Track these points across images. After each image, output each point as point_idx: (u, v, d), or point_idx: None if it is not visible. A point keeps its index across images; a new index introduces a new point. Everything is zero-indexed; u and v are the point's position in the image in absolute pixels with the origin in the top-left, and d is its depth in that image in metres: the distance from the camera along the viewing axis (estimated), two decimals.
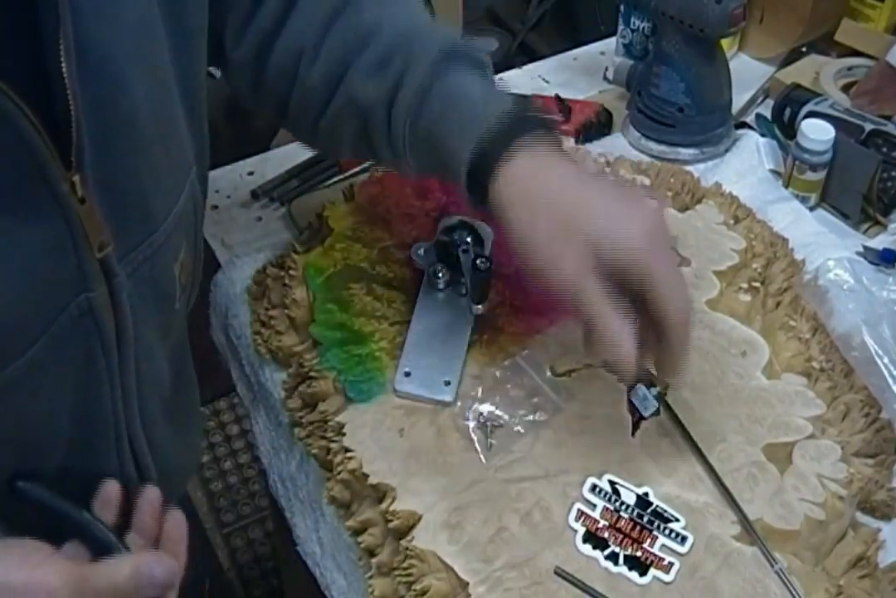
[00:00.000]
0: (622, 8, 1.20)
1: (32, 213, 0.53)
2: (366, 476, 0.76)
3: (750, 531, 0.73)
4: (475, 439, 0.78)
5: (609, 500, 0.73)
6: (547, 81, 1.26)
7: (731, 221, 0.98)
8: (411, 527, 0.73)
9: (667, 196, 1.00)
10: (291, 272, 0.89)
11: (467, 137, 0.67)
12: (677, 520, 0.72)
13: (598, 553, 0.71)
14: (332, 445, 0.79)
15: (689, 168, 1.07)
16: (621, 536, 0.72)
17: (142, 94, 0.58)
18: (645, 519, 0.72)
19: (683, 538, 0.72)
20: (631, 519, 0.72)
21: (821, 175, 1.03)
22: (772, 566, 0.72)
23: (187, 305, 0.76)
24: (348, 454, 0.77)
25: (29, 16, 0.50)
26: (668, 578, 0.70)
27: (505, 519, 0.73)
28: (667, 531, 0.72)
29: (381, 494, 0.76)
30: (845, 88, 1.16)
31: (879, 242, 1.00)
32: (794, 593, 0.70)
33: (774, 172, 1.08)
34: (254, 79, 0.78)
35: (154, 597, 0.54)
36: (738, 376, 0.84)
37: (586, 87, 1.24)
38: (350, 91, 0.73)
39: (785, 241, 0.97)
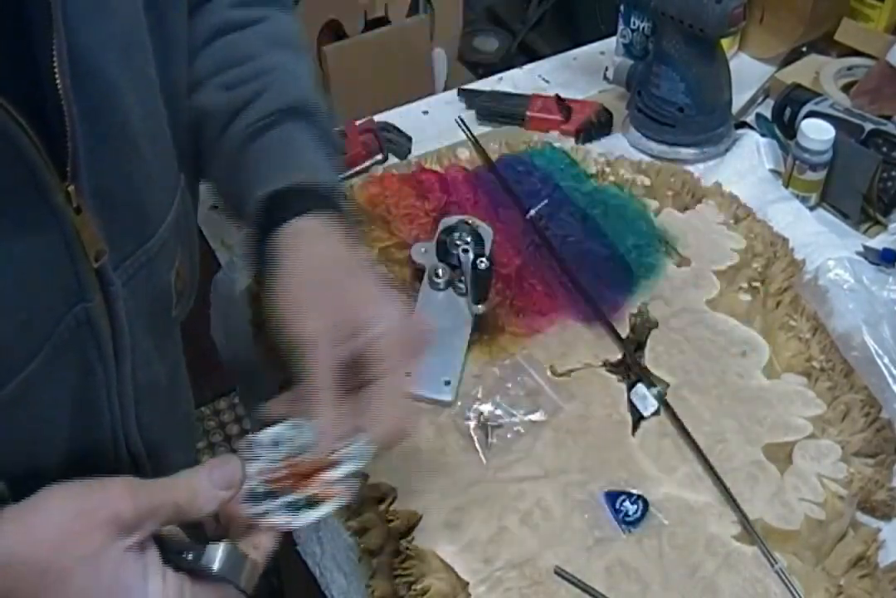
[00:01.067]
0: (622, 8, 1.20)
1: (28, 224, 0.52)
2: (366, 476, 0.76)
3: (750, 531, 0.73)
4: (475, 439, 0.78)
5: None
6: (547, 81, 1.26)
7: (731, 221, 0.98)
8: (411, 527, 0.73)
9: (667, 196, 1.00)
10: None
11: (280, 179, 0.66)
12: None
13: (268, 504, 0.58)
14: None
15: (689, 168, 1.07)
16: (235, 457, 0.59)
17: (133, 102, 0.58)
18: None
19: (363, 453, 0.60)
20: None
21: (821, 175, 1.03)
22: (772, 565, 0.72)
23: (184, 311, 0.76)
24: None
25: (21, 26, 0.49)
26: (328, 508, 0.58)
27: (505, 519, 0.73)
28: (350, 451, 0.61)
29: (381, 494, 0.76)
30: (845, 88, 1.16)
31: (879, 242, 1.00)
32: (794, 593, 0.70)
33: (774, 172, 1.08)
34: None
35: (216, 500, 0.54)
36: (738, 375, 0.84)
37: (586, 87, 1.24)
38: (200, 101, 0.72)
39: (785, 241, 0.97)
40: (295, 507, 0.58)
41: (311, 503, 0.58)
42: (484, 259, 0.83)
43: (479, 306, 0.84)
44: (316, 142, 0.71)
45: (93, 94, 0.55)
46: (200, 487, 0.54)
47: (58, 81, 0.51)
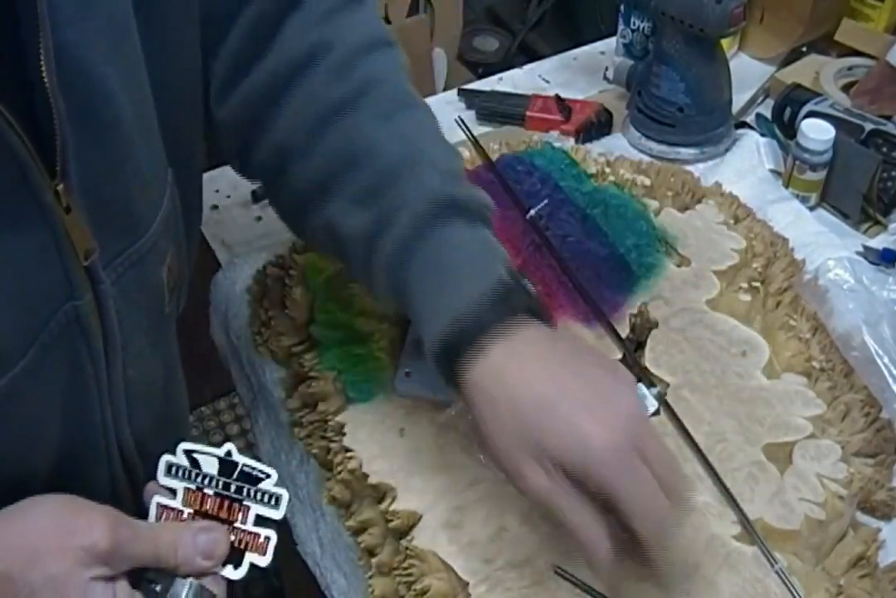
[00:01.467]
0: (622, 8, 1.20)
1: (17, 222, 0.52)
2: (366, 476, 0.76)
3: (750, 531, 0.73)
4: (475, 439, 0.78)
5: (189, 477, 0.61)
6: (547, 81, 1.26)
7: (731, 221, 0.98)
8: (411, 527, 0.73)
9: (667, 196, 1.00)
10: (291, 272, 0.89)
11: (442, 317, 0.63)
12: (268, 476, 0.60)
13: None
14: (332, 445, 0.79)
15: (689, 168, 1.07)
16: (225, 531, 0.60)
17: (123, 99, 0.58)
18: (233, 488, 0.60)
19: (277, 499, 0.60)
20: (217, 494, 0.60)
21: (821, 175, 1.03)
22: (772, 566, 0.71)
23: (177, 309, 0.75)
24: (348, 454, 0.77)
25: (6, 24, 0.49)
26: (264, 561, 0.59)
27: (505, 519, 0.73)
28: (258, 495, 0.60)
29: (381, 494, 0.76)
30: (845, 88, 1.16)
31: (879, 242, 1.00)
32: (794, 593, 0.70)
33: (774, 172, 1.08)
34: (239, 150, 0.75)
35: (193, 565, 0.56)
36: (738, 376, 0.84)
37: (586, 87, 1.24)
38: (331, 215, 0.69)
39: (785, 241, 0.97)
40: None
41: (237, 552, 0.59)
42: None
43: None
44: (465, 236, 0.66)
45: (82, 91, 0.54)
46: (183, 548, 0.55)
47: (45, 79, 0.50)
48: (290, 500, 0.60)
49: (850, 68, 1.19)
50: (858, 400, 0.82)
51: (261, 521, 0.60)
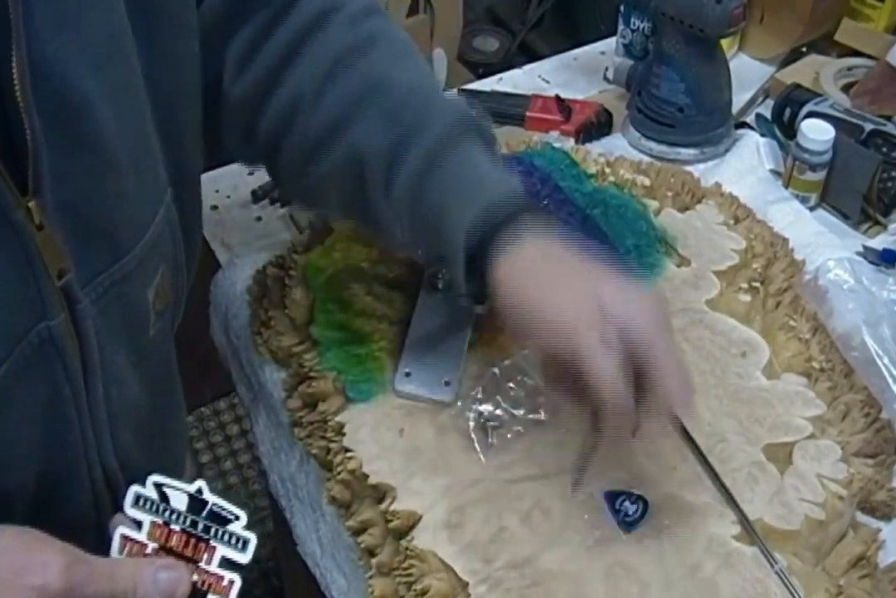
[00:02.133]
0: (622, 8, 1.20)
1: None
2: (366, 476, 0.76)
3: (750, 531, 0.73)
4: (475, 439, 0.78)
5: (157, 511, 0.59)
6: (547, 81, 1.26)
7: (731, 221, 0.98)
8: (411, 527, 0.73)
9: (667, 196, 1.00)
10: (291, 272, 0.89)
11: (467, 217, 0.67)
12: (237, 518, 0.59)
13: None
14: (332, 445, 0.79)
15: (689, 168, 1.07)
16: (186, 569, 0.58)
17: (108, 115, 0.56)
18: (200, 527, 0.59)
19: (244, 542, 0.59)
20: (183, 531, 0.58)
21: (821, 175, 1.03)
22: (772, 566, 0.71)
23: (172, 327, 0.74)
24: (348, 454, 0.77)
25: None
26: None
27: (505, 519, 0.73)
28: (226, 537, 0.58)
29: (381, 494, 0.76)
30: (845, 88, 1.16)
31: (879, 242, 1.00)
32: (794, 593, 0.70)
33: (774, 172, 1.08)
34: (247, 124, 0.76)
35: None
36: (738, 376, 0.84)
37: (586, 87, 1.24)
38: (352, 139, 0.71)
39: (785, 241, 0.97)
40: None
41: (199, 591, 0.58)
42: None
43: (480, 306, 0.84)
44: (482, 153, 0.71)
45: (60, 107, 0.53)
46: (143, 585, 0.53)
47: (17, 95, 0.49)
48: (255, 544, 0.58)
49: (850, 68, 1.19)
50: (858, 400, 0.82)
51: (226, 564, 0.58)
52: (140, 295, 0.65)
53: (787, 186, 1.05)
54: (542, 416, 0.80)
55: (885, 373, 0.82)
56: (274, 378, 0.88)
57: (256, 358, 0.90)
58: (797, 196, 1.04)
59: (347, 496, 0.78)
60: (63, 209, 0.55)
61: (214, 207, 1.10)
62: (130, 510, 0.59)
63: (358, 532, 0.76)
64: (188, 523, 0.58)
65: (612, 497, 0.74)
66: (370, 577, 0.73)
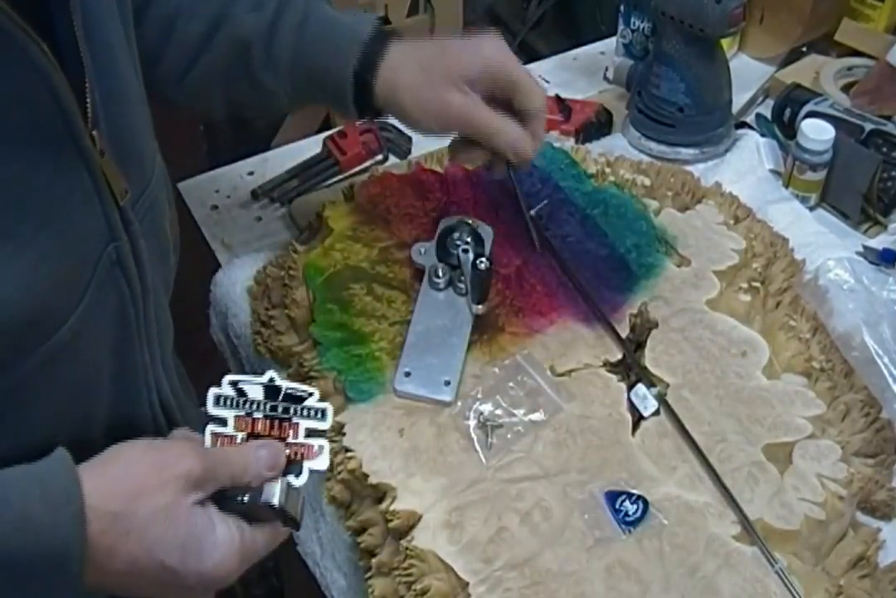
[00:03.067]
0: (622, 8, 1.20)
1: (65, 167, 0.56)
2: (366, 476, 0.76)
3: (750, 531, 0.73)
4: (475, 439, 0.78)
5: (237, 405, 0.65)
6: (547, 81, 1.26)
7: (731, 221, 0.98)
8: (411, 527, 0.73)
9: (667, 196, 1.00)
10: (291, 272, 0.89)
11: (347, 54, 0.78)
12: (311, 394, 0.65)
13: None
14: (332, 445, 0.79)
15: (689, 168, 1.07)
16: (280, 443, 0.64)
17: (125, 58, 0.63)
18: (280, 409, 0.65)
19: (322, 412, 0.65)
20: (266, 417, 0.65)
21: (821, 175, 1.03)
22: (772, 566, 0.72)
23: (175, 265, 0.79)
24: (348, 454, 0.77)
25: None
26: (322, 465, 0.64)
27: (505, 519, 0.73)
28: (305, 412, 0.65)
29: (381, 494, 0.76)
30: (845, 88, 1.16)
31: (879, 242, 1.01)
32: (794, 593, 0.70)
33: (774, 172, 1.08)
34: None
35: (260, 478, 0.60)
36: (738, 376, 0.84)
37: (586, 87, 1.24)
38: (230, 30, 0.80)
39: (785, 241, 0.97)
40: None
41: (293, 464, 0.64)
42: (484, 259, 0.83)
43: (480, 306, 0.84)
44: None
45: (99, 48, 0.59)
46: (250, 464, 0.60)
47: (77, 35, 0.55)
48: (333, 412, 0.66)
49: (850, 68, 1.19)
50: (858, 400, 0.82)
51: (311, 433, 0.64)
52: (162, 223, 0.71)
53: (787, 186, 1.05)
54: (542, 416, 0.80)
55: (885, 373, 0.82)
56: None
57: (256, 358, 0.90)
58: (797, 196, 1.04)
59: (347, 496, 0.78)
60: (112, 138, 0.60)
61: (214, 207, 1.10)
62: (213, 410, 0.64)
63: (358, 532, 0.76)
64: (269, 408, 0.65)
65: (612, 497, 0.74)
66: (370, 577, 0.73)
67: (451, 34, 0.83)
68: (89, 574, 0.53)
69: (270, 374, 0.65)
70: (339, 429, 0.79)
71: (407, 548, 0.71)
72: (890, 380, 0.81)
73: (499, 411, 0.80)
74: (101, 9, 0.60)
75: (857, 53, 1.20)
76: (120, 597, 0.58)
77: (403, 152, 1.13)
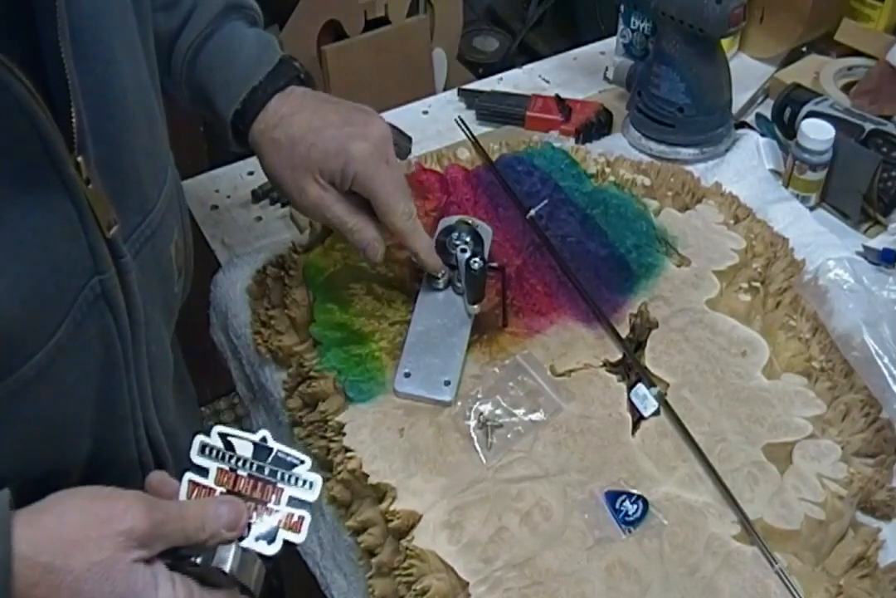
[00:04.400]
0: (622, 8, 1.20)
1: (42, 196, 0.53)
2: (366, 476, 0.76)
3: (750, 531, 0.73)
4: (475, 438, 0.78)
5: (223, 458, 0.62)
6: (547, 81, 1.26)
7: (731, 221, 0.98)
8: (411, 527, 0.73)
9: (667, 196, 1.00)
10: (291, 272, 0.89)
11: (236, 88, 0.77)
12: (302, 462, 0.62)
13: None
14: (332, 445, 0.79)
15: (689, 168, 1.07)
16: (242, 502, 0.61)
17: (128, 73, 0.60)
18: (266, 471, 0.62)
19: (311, 484, 0.62)
20: (251, 476, 0.61)
21: (821, 175, 1.03)
22: (772, 566, 0.72)
23: (183, 292, 0.77)
24: (348, 454, 0.77)
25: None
26: (299, 538, 0.60)
27: (505, 519, 0.73)
28: (292, 480, 0.62)
29: (381, 494, 0.76)
30: (845, 88, 1.16)
31: (879, 242, 1.00)
32: (794, 593, 0.70)
33: (774, 172, 1.08)
34: None
35: (219, 537, 0.57)
36: (738, 376, 0.84)
37: (586, 87, 1.24)
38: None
39: (785, 241, 0.97)
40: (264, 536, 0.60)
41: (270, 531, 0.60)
42: (477, 259, 0.83)
43: (475, 307, 0.84)
44: (252, 31, 0.80)
45: (94, 64, 0.56)
46: (208, 522, 0.56)
47: (62, 53, 0.51)
48: (322, 485, 0.62)
49: (850, 68, 1.19)
50: (858, 400, 0.82)
51: (294, 502, 0.61)
52: (166, 251, 0.69)
53: (787, 186, 1.05)
54: (543, 416, 0.80)
55: (885, 373, 0.82)
56: (274, 378, 0.88)
57: (256, 358, 0.90)
58: (797, 196, 1.04)
59: (347, 496, 0.78)
60: (102, 165, 0.57)
61: (214, 207, 1.10)
62: (197, 458, 0.61)
63: (358, 532, 0.76)
64: (255, 468, 0.61)
65: (612, 497, 0.74)
66: (370, 577, 0.74)
67: (346, 101, 0.80)
68: None
69: (263, 433, 0.62)
70: (339, 429, 0.79)
71: (407, 548, 0.71)
72: (890, 380, 0.81)
73: (499, 411, 0.80)
74: (100, 20, 0.57)
75: (857, 53, 1.20)
76: None
77: (403, 152, 1.13)
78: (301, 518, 0.61)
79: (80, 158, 0.54)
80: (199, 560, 0.56)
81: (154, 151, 0.66)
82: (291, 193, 0.78)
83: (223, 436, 0.62)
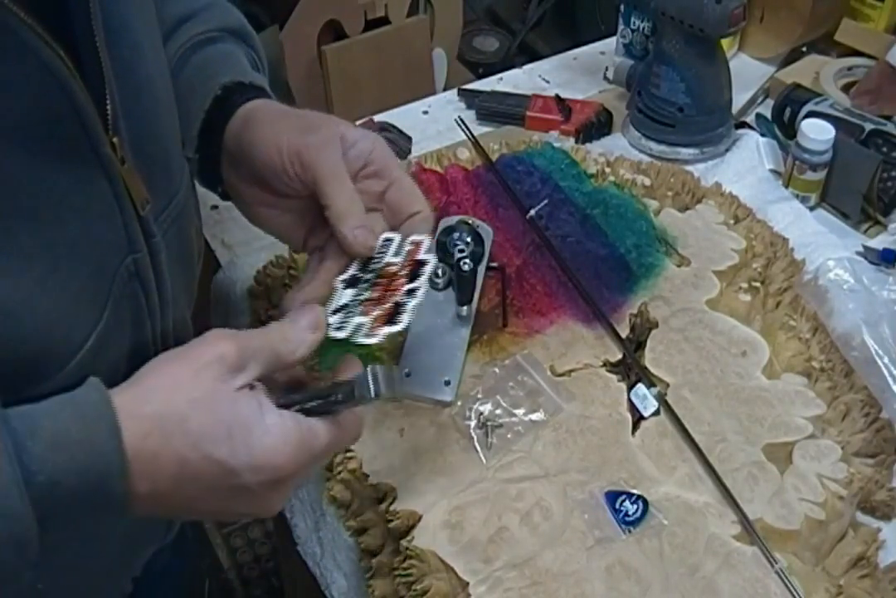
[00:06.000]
0: (622, 8, 1.20)
1: (81, 175, 0.54)
2: (366, 476, 0.76)
3: (750, 531, 0.73)
4: (475, 438, 0.78)
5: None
6: (547, 81, 1.26)
7: (731, 221, 0.98)
8: (411, 527, 0.73)
9: (667, 196, 1.00)
10: (291, 272, 0.89)
11: (203, 107, 0.72)
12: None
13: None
14: None
15: (689, 168, 1.07)
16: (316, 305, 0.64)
17: (153, 61, 0.61)
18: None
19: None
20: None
21: (821, 175, 1.03)
22: (772, 566, 0.72)
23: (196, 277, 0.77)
24: (348, 454, 0.77)
25: None
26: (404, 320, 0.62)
27: (505, 519, 0.73)
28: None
29: (381, 494, 0.76)
30: (845, 88, 1.16)
31: (879, 242, 1.00)
32: (794, 593, 0.70)
33: (774, 172, 1.08)
34: None
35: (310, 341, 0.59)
36: (738, 376, 0.84)
37: (586, 87, 1.24)
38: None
39: (785, 241, 0.97)
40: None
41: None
42: (468, 261, 0.83)
43: (464, 308, 0.83)
44: (252, 64, 0.76)
45: (123, 48, 0.57)
46: (290, 331, 0.58)
47: (96, 38, 0.52)
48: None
49: (850, 68, 1.19)
50: (858, 400, 0.82)
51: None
52: (188, 233, 0.69)
53: (787, 186, 1.05)
54: (543, 416, 0.80)
55: (885, 373, 0.82)
56: None
57: None
58: (797, 196, 1.04)
59: (347, 496, 0.78)
60: (134, 146, 0.58)
61: (214, 207, 1.09)
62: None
63: (358, 532, 0.76)
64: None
65: (612, 497, 0.74)
66: (370, 577, 0.74)
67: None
68: (138, 491, 0.50)
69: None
70: None
71: (407, 548, 0.71)
72: (890, 380, 0.81)
73: (499, 411, 0.80)
74: (127, 6, 0.58)
75: (857, 53, 1.20)
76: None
77: (403, 152, 1.13)
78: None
79: (115, 139, 0.55)
80: (339, 396, 0.57)
81: (178, 136, 0.67)
82: (288, 154, 0.70)
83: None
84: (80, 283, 0.54)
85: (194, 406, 0.51)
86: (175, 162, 0.66)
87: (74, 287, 0.54)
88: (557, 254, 0.91)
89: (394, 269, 0.64)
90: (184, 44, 0.74)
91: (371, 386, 0.57)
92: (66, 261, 0.53)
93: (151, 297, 0.61)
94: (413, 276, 0.64)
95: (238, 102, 0.71)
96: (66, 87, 0.51)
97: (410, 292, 0.62)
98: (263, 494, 0.54)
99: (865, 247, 0.99)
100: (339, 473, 0.77)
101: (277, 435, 0.53)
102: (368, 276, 0.65)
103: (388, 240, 0.66)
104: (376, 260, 0.65)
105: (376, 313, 0.62)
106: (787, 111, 1.10)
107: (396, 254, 0.65)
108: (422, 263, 0.64)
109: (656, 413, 0.81)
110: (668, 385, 0.83)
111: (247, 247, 1.03)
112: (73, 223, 0.53)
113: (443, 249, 0.87)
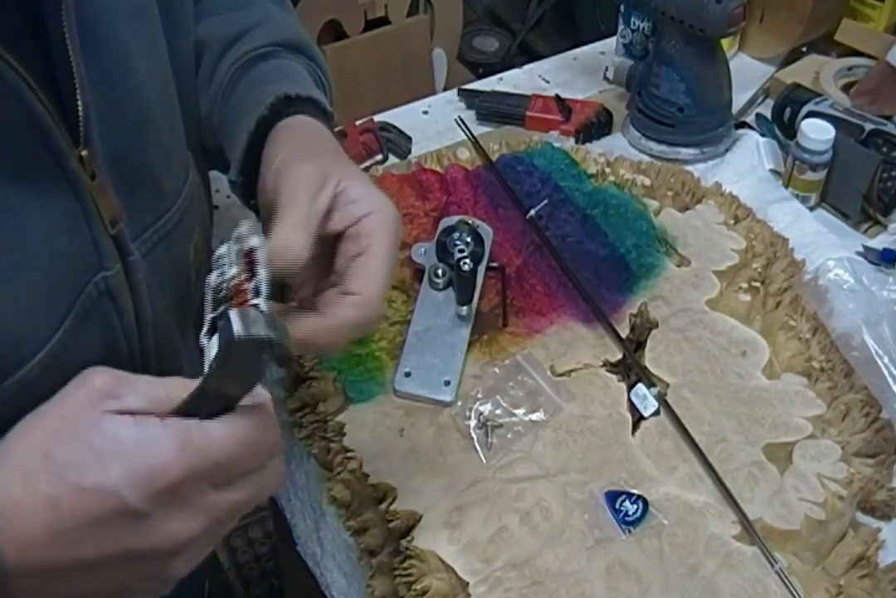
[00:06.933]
0: (622, 8, 1.20)
1: (43, 189, 0.52)
2: (366, 476, 0.76)
3: (750, 531, 0.73)
4: (475, 438, 0.78)
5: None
6: (547, 81, 1.26)
7: (731, 221, 0.98)
8: (411, 527, 0.73)
9: (667, 196, 1.00)
10: None
11: (250, 123, 0.68)
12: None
13: None
14: (332, 445, 0.79)
15: (689, 168, 1.07)
16: None
17: (144, 69, 0.59)
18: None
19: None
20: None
21: (821, 175, 1.03)
22: (772, 566, 0.72)
23: (199, 293, 0.76)
24: (348, 454, 0.77)
25: None
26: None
27: (505, 519, 0.73)
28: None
29: (381, 494, 0.76)
30: (845, 88, 1.16)
31: (879, 242, 1.00)
32: (794, 593, 0.70)
33: (774, 172, 1.08)
34: None
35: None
36: (738, 376, 0.84)
37: (586, 87, 1.24)
38: (201, 29, 0.74)
39: (785, 241, 0.97)
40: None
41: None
42: (468, 261, 0.83)
43: (463, 308, 0.84)
44: (312, 76, 0.74)
45: (105, 60, 0.55)
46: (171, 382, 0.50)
47: (69, 48, 0.51)
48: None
49: (850, 68, 1.19)
50: (858, 400, 0.82)
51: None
52: (183, 253, 0.67)
53: (787, 186, 1.05)
54: (543, 416, 0.80)
55: (885, 373, 0.82)
56: (274, 378, 0.88)
57: None
58: (797, 196, 1.04)
59: (348, 496, 0.78)
60: (112, 159, 0.56)
61: (215, 208, 1.09)
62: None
63: (358, 532, 0.76)
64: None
65: (612, 497, 0.74)
66: (370, 577, 0.74)
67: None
68: (9, 562, 0.44)
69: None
70: (339, 429, 0.79)
71: (407, 548, 0.71)
72: (890, 380, 0.81)
73: (499, 411, 0.80)
74: (114, 17, 0.56)
75: (857, 53, 1.20)
76: None
77: (403, 152, 1.13)
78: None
79: (84, 152, 0.53)
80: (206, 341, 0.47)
81: (174, 150, 0.64)
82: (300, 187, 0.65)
83: None
84: (34, 295, 0.52)
85: (56, 435, 0.45)
86: (167, 176, 0.63)
87: (27, 298, 0.52)
88: (557, 254, 0.91)
89: (237, 281, 0.57)
90: (234, 62, 0.72)
91: (236, 327, 0.47)
92: (24, 272, 0.52)
93: (127, 316, 0.59)
94: (252, 273, 0.57)
95: (279, 120, 0.67)
96: (21, 98, 0.49)
97: (256, 290, 0.55)
98: (163, 517, 0.45)
99: (865, 247, 0.99)
100: (339, 473, 0.77)
101: (154, 440, 0.45)
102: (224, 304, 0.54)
103: (219, 256, 0.58)
104: (220, 286, 0.57)
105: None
106: (787, 111, 1.10)
107: (231, 264, 0.58)
108: (251, 251, 0.58)
109: (656, 413, 0.81)
110: (668, 385, 0.83)
111: None
112: (30, 235, 0.52)
113: (443, 249, 0.87)
